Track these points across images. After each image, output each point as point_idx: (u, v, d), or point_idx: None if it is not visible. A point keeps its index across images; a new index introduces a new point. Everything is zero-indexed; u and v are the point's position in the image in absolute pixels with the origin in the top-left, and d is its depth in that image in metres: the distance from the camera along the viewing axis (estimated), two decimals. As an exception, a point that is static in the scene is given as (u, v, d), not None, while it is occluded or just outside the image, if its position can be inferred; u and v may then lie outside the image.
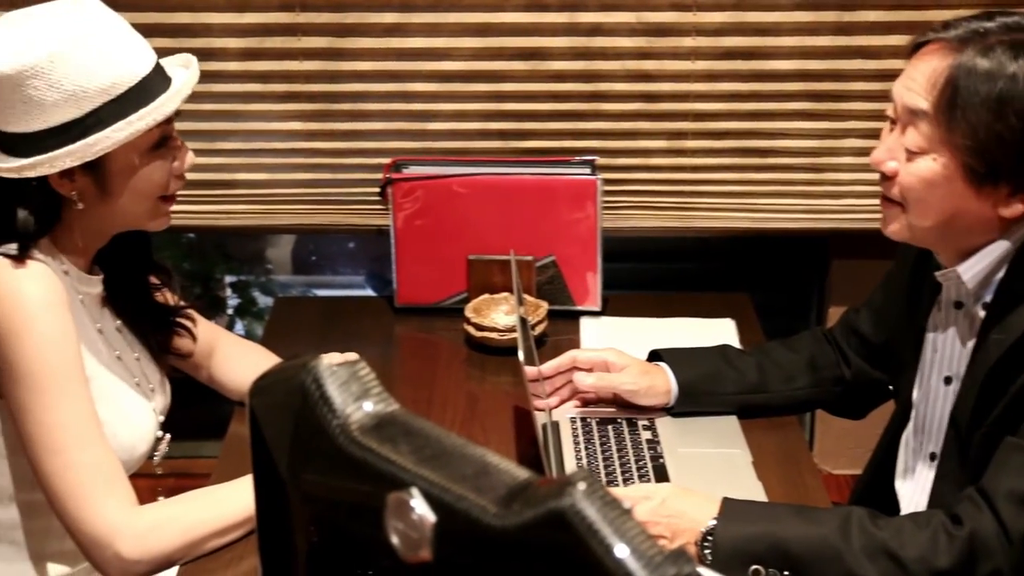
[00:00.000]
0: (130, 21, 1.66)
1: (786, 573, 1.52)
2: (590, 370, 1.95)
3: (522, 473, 0.80)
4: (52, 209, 1.62)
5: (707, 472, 1.79)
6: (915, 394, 1.77)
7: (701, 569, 0.73)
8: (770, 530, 1.54)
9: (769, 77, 2.54)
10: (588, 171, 2.32)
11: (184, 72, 1.67)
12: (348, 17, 2.49)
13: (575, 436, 1.89)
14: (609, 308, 2.37)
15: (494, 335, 2.20)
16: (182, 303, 1.90)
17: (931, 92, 1.54)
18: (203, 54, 2.44)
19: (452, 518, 0.79)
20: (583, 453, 1.84)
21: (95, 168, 1.60)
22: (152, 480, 1.84)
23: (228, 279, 3.76)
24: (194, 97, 2.44)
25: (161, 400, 1.82)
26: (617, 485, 1.74)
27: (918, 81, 1.55)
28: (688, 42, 2.51)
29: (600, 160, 2.39)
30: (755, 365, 1.97)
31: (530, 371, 1.83)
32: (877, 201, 1.68)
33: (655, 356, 1.99)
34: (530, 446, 1.86)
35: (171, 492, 1.70)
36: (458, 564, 0.81)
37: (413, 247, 2.35)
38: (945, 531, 1.50)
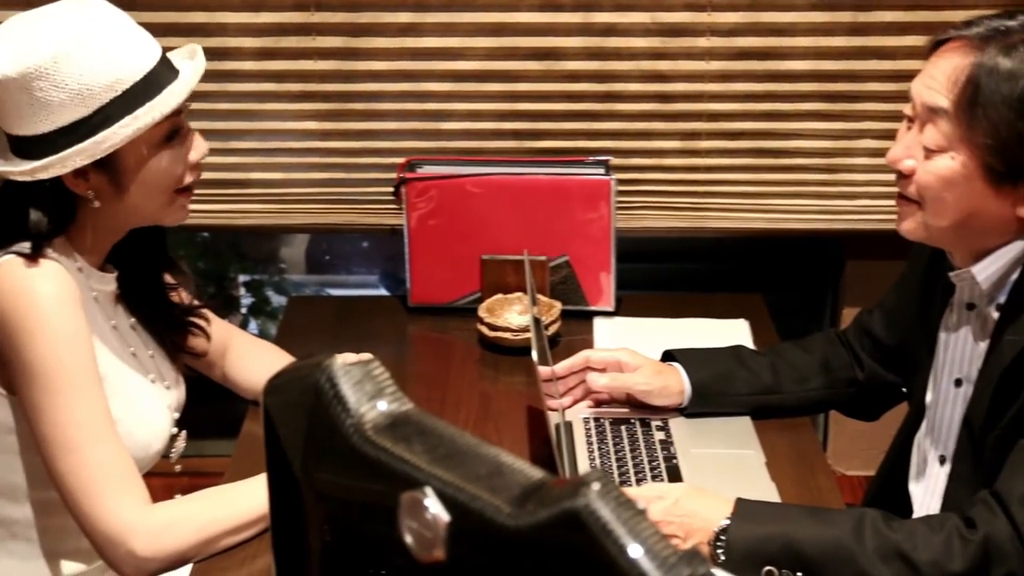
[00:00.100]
0: (145, 20, 1.66)
1: (799, 574, 1.52)
2: (603, 370, 1.95)
3: (536, 473, 0.80)
4: (67, 209, 1.62)
5: (720, 473, 1.79)
6: (928, 396, 1.77)
7: (714, 569, 0.72)
8: (783, 531, 1.54)
9: (784, 78, 2.54)
10: (602, 171, 2.32)
11: (191, 63, 1.67)
12: (363, 17, 2.49)
13: (588, 436, 1.89)
14: (623, 308, 2.37)
15: (507, 335, 2.20)
16: (196, 303, 1.90)
17: (952, 90, 1.53)
18: (218, 53, 2.47)
19: (466, 518, 0.79)
20: (596, 453, 1.84)
21: (108, 165, 1.60)
22: (168, 479, 1.84)
23: (242, 278, 3.76)
24: (209, 96, 2.45)
25: (176, 397, 1.83)
26: (630, 485, 1.74)
27: (938, 79, 1.55)
28: (702, 42, 2.51)
29: (614, 160, 2.39)
30: (769, 366, 1.97)
31: (543, 371, 1.83)
32: (892, 202, 1.68)
33: (668, 356, 1.99)
34: (543, 446, 1.86)
35: (185, 491, 1.70)
36: (472, 564, 0.81)
37: (427, 247, 2.35)
38: (959, 535, 1.50)
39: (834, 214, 2.66)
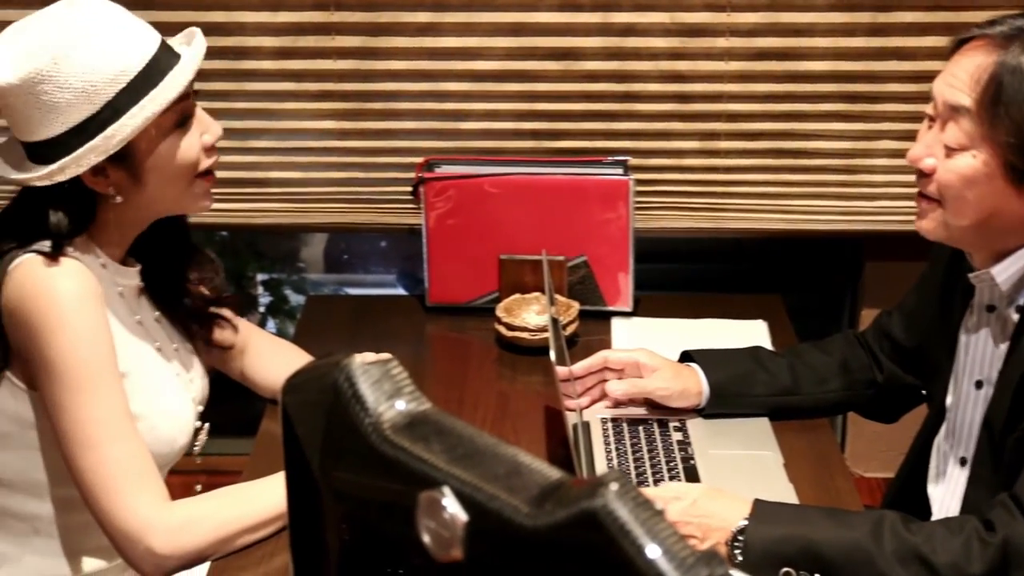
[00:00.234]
0: (163, 20, 1.67)
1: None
2: (622, 370, 1.94)
3: (554, 473, 0.80)
4: (88, 208, 1.63)
5: (738, 474, 1.78)
6: (948, 398, 1.76)
7: (732, 570, 0.72)
8: (802, 532, 1.54)
9: (803, 78, 2.53)
10: (620, 171, 2.32)
11: (190, 48, 1.67)
12: (382, 16, 2.49)
13: (606, 437, 1.88)
14: (640, 309, 2.37)
15: (525, 335, 2.20)
16: (224, 295, 1.90)
17: (974, 88, 1.53)
18: (237, 53, 2.48)
19: (484, 517, 0.79)
20: (614, 454, 1.84)
21: (124, 159, 1.61)
22: (186, 476, 1.85)
23: (260, 277, 3.77)
24: (228, 96, 2.45)
25: (200, 390, 1.83)
26: (648, 486, 1.74)
27: (960, 77, 1.54)
28: (722, 43, 2.50)
29: (632, 160, 2.39)
30: (787, 367, 1.96)
31: (561, 371, 1.83)
32: (911, 203, 1.67)
33: (686, 357, 1.99)
34: (561, 446, 1.86)
35: (203, 489, 1.71)
36: (489, 563, 0.81)
37: (445, 246, 2.35)
38: (978, 537, 1.49)
39: (853, 215, 2.66)
